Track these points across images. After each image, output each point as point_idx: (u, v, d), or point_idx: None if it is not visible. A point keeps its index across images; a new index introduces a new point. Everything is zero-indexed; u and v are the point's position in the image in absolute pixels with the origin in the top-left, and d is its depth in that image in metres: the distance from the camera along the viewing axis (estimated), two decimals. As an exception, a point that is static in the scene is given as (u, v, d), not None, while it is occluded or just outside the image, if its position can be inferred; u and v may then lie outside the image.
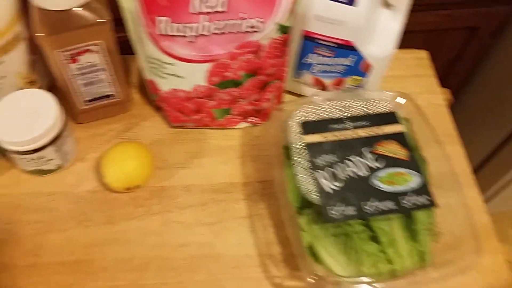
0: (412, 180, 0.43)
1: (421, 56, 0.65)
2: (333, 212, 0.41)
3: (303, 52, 0.52)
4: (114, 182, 0.48)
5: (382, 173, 0.43)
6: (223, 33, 0.46)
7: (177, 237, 0.48)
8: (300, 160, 0.44)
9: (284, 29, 0.47)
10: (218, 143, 0.55)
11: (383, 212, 0.42)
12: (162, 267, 0.46)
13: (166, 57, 0.48)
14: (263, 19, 0.46)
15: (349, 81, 0.54)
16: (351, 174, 0.43)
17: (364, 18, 0.47)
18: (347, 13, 0.47)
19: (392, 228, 0.42)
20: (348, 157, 0.44)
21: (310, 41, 0.50)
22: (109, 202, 0.49)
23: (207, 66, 0.48)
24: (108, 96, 0.53)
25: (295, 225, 0.43)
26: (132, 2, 0.46)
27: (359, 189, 0.42)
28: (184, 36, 0.46)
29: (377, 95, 0.49)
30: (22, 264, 0.45)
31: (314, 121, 0.47)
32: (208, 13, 0.45)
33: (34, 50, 0.51)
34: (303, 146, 0.45)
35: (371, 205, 0.42)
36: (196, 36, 0.46)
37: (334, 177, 0.42)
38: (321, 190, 0.42)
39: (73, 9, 0.43)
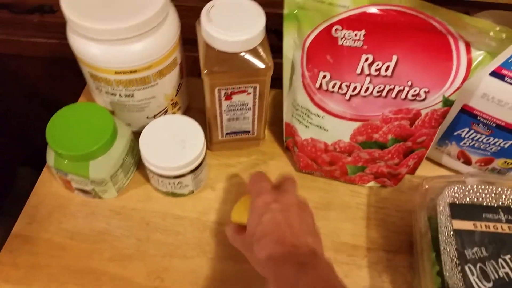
0: None
1: None
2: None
3: (457, 124, 0.49)
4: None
5: (538, 282, 0.39)
6: (383, 96, 0.45)
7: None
8: (447, 247, 0.41)
9: (448, 103, 0.44)
10: (345, 198, 0.53)
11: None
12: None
13: (316, 109, 0.47)
14: (430, 90, 0.43)
15: (500, 163, 0.50)
16: (504, 276, 0.39)
17: (538, 105, 0.44)
18: (521, 97, 0.43)
19: None
20: (502, 255, 0.40)
21: (469, 116, 0.47)
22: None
23: (356, 124, 0.47)
24: (246, 132, 0.54)
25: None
26: (296, 52, 0.46)
27: (511, 295, 0.39)
28: (341, 93, 0.45)
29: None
30: (146, 284, 0.46)
31: (465, 205, 0.44)
32: (373, 75, 0.44)
33: (182, 74, 0.54)
34: (451, 231, 0.42)
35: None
36: (353, 95, 0.45)
37: (485, 276, 0.39)
38: None
39: (241, 53, 0.44)
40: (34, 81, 0.92)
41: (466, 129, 0.49)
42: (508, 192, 0.45)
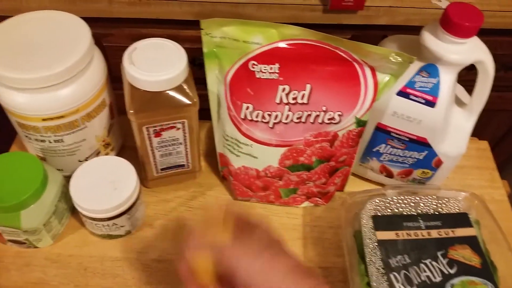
0: (485, 290, 0.43)
1: (483, 147, 0.65)
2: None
3: (375, 141, 0.53)
4: None
5: (456, 281, 0.43)
6: (302, 122, 0.48)
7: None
8: (373, 258, 0.44)
9: (361, 123, 0.48)
10: (281, 220, 0.55)
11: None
12: None
13: (245, 138, 0.50)
14: (343, 113, 0.47)
15: (418, 173, 0.54)
16: (426, 280, 0.42)
17: (442, 119, 0.48)
18: (426, 113, 0.48)
19: None
20: (422, 260, 0.44)
21: (383, 133, 0.51)
22: (174, 274, 0.50)
23: (282, 150, 0.50)
24: (180, 165, 0.55)
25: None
26: (219, 86, 0.49)
27: (432, 296, 0.42)
28: (265, 122, 0.48)
29: (449, 194, 0.49)
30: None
31: (387, 216, 0.47)
32: (291, 103, 0.47)
33: (112, 115, 0.54)
34: (375, 242, 0.45)
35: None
36: (276, 123, 0.48)
37: (409, 281, 0.42)
38: (393, 293, 0.42)
39: (166, 91, 0.46)
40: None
41: (383, 145, 0.53)
42: (425, 200, 0.49)
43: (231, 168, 0.54)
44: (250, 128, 0.49)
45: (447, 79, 0.47)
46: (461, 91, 0.55)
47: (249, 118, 0.48)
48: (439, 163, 0.52)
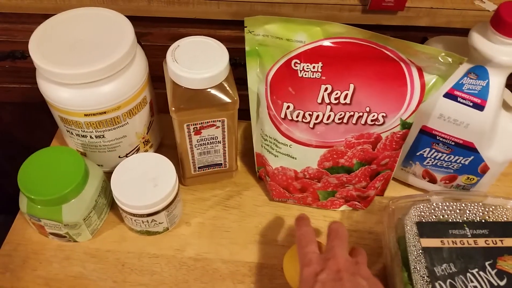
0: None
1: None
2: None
3: (418, 145, 0.51)
4: (294, 282, 0.46)
5: (505, 293, 0.41)
6: (344, 123, 0.47)
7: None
8: (417, 266, 0.42)
9: (406, 125, 0.47)
10: (317, 223, 0.54)
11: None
12: None
13: (284, 138, 0.49)
14: (388, 114, 0.46)
15: (463, 179, 0.52)
16: (473, 290, 0.41)
17: (490, 123, 0.46)
18: (474, 116, 0.46)
19: None
20: (469, 270, 0.42)
21: (428, 136, 0.49)
22: (210, 273, 0.50)
23: (322, 151, 0.49)
24: (218, 164, 0.55)
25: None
26: (260, 85, 0.48)
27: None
28: (305, 122, 0.47)
29: (497, 202, 0.47)
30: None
31: (431, 222, 0.45)
32: (333, 103, 0.46)
33: (152, 113, 0.55)
34: (420, 250, 0.43)
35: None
36: (317, 123, 0.47)
37: (455, 291, 0.40)
38: (438, 302, 0.40)
39: (207, 89, 0.46)
40: (7, 127, 0.91)
41: (428, 149, 0.51)
42: (472, 207, 0.47)
43: (268, 169, 0.53)
44: (290, 128, 0.48)
45: (496, 82, 0.45)
46: (508, 95, 0.52)
47: (289, 117, 0.47)
48: (485, 169, 0.50)
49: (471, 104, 0.46)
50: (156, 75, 0.54)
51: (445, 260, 0.42)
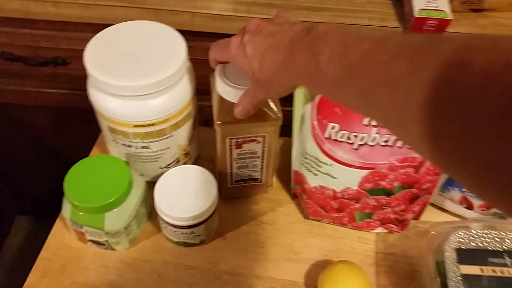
0: None
1: None
2: None
3: (458, 171, 0.51)
4: None
5: (549, 326, 0.40)
6: (389, 145, 0.47)
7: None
8: (459, 293, 0.42)
9: (450, 152, 0.47)
10: (352, 244, 0.54)
11: None
12: None
13: (326, 158, 0.49)
14: (432, 140, 0.46)
15: (501, 207, 0.52)
16: (516, 321, 0.40)
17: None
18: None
19: None
20: (511, 300, 0.42)
21: (469, 163, 0.50)
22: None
23: (364, 172, 0.49)
24: (254, 179, 0.55)
25: None
26: (306, 104, 0.49)
27: None
28: (349, 143, 0.48)
29: (538, 232, 0.47)
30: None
31: (471, 250, 0.45)
32: (379, 126, 0.46)
33: (195, 126, 0.56)
34: (459, 276, 0.43)
35: None
36: (361, 144, 0.48)
37: (498, 321, 0.40)
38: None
39: (254, 105, 0.47)
40: (40, 131, 0.93)
41: (468, 176, 0.51)
42: (509, 236, 0.47)
43: (305, 186, 0.54)
44: (333, 147, 0.48)
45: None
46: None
47: (334, 137, 0.48)
48: (527, 198, 0.50)
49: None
50: (197, 88, 0.55)
51: (486, 289, 0.42)
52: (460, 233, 0.47)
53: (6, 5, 0.72)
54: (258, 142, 0.50)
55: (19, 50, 0.79)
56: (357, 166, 0.49)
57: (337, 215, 0.54)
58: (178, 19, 0.70)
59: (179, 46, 0.49)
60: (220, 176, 0.54)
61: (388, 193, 0.50)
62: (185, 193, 0.49)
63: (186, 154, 0.57)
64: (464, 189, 0.52)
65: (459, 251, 0.45)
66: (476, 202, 0.53)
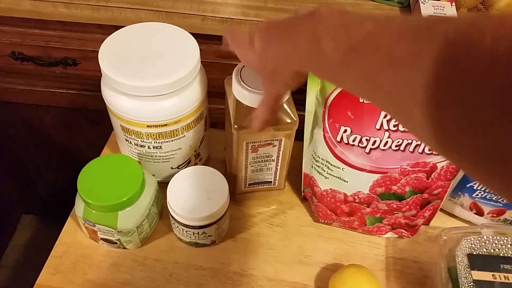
0: None
1: None
2: None
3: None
4: None
5: (561, 333, 0.40)
6: (401, 150, 0.47)
7: None
8: (471, 298, 0.42)
9: (462, 157, 0.47)
10: (362, 248, 0.54)
11: None
12: None
13: (337, 161, 0.50)
14: (445, 145, 0.46)
15: (511, 214, 0.52)
16: (528, 328, 0.40)
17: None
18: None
19: None
20: (524, 307, 0.42)
21: (480, 169, 0.50)
22: (255, 290, 0.50)
23: (375, 176, 0.49)
24: (267, 182, 0.55)
25: None
26: (318, 107, 0.49)
27: None
28: (361, 147, 0.48)
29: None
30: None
31: (482, 255, 0.45)
32: (391, 130, 0.47)
33: (206, 127, 0.56)
34: (472, 282, 0.43)
35: None
36: (373, 148, 0.48)
37: (510, 327, 0.40)
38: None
39: (269, 108, 0.47)
40: (49, 131, 0.94)
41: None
42: (522, 243, 0.47)
43: (316, 190, 0.54)
44: (344, 151, 0.49)
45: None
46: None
47: (345, 141, 0.48)
48: (538, 205, 0.50)
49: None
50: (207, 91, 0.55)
51: (499, 295, 0.42)
52: (471, 238, 0.47)
53: (17, 6, 0.72)
54: (274, 146, 0.51)
55: (29, 50, 0.79)
56: (368, 170, 0.49)
57: (347, 219, 0.54)
58: (188, 22, 0.70)
59: (192, 48, 0.49)
60: (234, 179, 0.55)
61: (400, 197, 0.51)
62: (197, 194, 0.49)
63: (197, 155, 0.57)
64: (474, 195, 0.53)
65: (470, 256, 0.46)
66: (487, 208, 0.53)
